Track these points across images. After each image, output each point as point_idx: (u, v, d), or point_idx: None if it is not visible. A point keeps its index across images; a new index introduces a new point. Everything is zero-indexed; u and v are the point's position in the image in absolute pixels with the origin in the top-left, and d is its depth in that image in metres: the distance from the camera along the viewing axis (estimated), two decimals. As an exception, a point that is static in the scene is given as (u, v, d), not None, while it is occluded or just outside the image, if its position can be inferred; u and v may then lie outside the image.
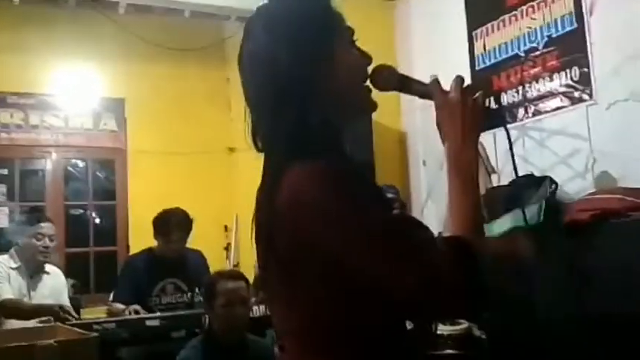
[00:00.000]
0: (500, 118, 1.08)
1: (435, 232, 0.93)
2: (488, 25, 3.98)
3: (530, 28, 3.69)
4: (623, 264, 2.41)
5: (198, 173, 5.27)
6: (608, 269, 2.47)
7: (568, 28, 3.43)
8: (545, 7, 3.58)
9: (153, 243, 3.40)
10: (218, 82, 5.41)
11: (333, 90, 0.96)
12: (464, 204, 0.94)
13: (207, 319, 2.59)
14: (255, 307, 2.97)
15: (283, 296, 0.93)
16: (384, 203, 0.99)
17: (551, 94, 3.56)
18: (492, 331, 2.99)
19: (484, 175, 3.91)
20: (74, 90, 4.90)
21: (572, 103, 3.42)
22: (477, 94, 1.01)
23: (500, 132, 3.55)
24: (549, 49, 3.55)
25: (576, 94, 3.39)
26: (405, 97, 4.84)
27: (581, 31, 3.33)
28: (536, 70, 3.65)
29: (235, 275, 2.49)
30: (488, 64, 4.01)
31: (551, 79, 3.55)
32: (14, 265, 3.19)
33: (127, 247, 4.92)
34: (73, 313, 2.98)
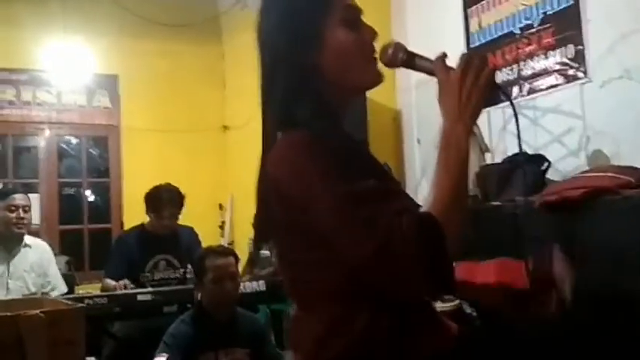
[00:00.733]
0: (503, 95, 1.06)
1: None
2: (484, 2, 3.94)
3: (525, 5, 3.65)
4: (614, 241, 2.41)
5: (193, 151, 5.25)
6: (598, 246, 2.47)
7: (564, 5, 3.39)
8: (542, -17, 3.54)
9: (147, 220, 3.40)
10: (213, 58, 5.37)
11: (324, 67, 0.99)
12: (444, 180, 0.94)
13: (198, 295, 2.59)
14: (247, 283, 2.99)
15: (278, 260, 1.03)
16: (371, 173, 0.96)
17: (545, 72, 3.54)
18: (483, 307, 3.01)
19: (478, 153, 3.90)
20: (67, 66, 4.86)
21: (567, 81, 3.40)
22: (482, 76, 0.99)
23: (494, 110, 3.54)
24: (544, 26, 3.52)
25: (571, 71, 3.37)
26: (401, 75, 4.81)
27: (577, 8, 3.30)
28: (531, 47, 3.62)
29: (225, 251, 2.49)
30: (483, 41, 3.98)
31: (546, 57, 3.52)
32: None
33: (122, 224, 4.92)
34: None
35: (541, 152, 3.42)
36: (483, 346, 1.04)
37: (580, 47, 3.28)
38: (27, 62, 4.80)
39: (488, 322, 2.94)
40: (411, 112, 4.57)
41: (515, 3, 3.73)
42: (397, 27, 4.72)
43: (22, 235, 3.21)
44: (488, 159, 3.86)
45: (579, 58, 3.30)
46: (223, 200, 5.31)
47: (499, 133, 3.83)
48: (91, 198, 5.40)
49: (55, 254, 4.48)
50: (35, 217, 4.80)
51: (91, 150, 5.42)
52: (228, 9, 5.35)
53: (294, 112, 0.95)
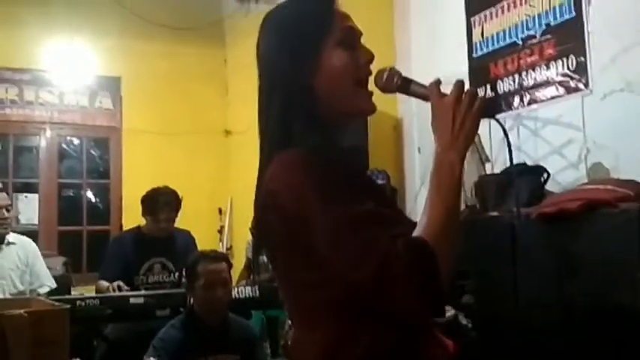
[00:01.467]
0: (496, 106, 1.07)
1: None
2: (487, 12, 3.93)
3: (528, 15, 3.64)
4: (609, 254, 2.39)
5: (194, 154, 5.25)
6: (593, 259, 2.45)
7: (566, 17, 3.38)
8: (545, -6, 3.53)
9: (144, 222, 3.39)
10: (215, 62, 5.38)
11: (318, 88, 1.00)
12: (436, 205, 0.93)
13: (190, 299, 2.58)
14: (241, 289, 2.97)
15: (278, 277, 1.02)
16: (366, 193, 0.97)
17: (547, 83, 3.52)
18: (478, 318, 2.98)
19: (477, 162, 3.88)
20: (70, 67, 4.87)
21: (568, 93, 3.38)
22: (476, 103, 0.99)
23: (494, 120, 3.51)
24: (547, 37, 3.51)
25: (572, 83, 3.35)
26: (403, 84, 4.81)
27: (579, 20, 3.29)
28: (533, 58, 3.61)
29: (217, 257, 2.47)
30: (485, 51, 3.96)
31: (548, 68, 3.51)
32: None
33: (120, 226, 4.91)
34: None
35: (541, 163, 3.40)
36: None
37: (582, 59, 3.27)
38: (30, 62, 4.82)
39: (484, 334, 2.92)
40: (412, 120, 4.56)
41: (518, 13, 3.72)
42: (400, 38, 4.71)
43: (5, 234, 3.18)
44: (489, 169, 3.85)
45: (581, 69, 3.28)
46: (223, 204, 5.30)
47: (499, 143, 3.81)
48: (91, 199, 5.40)
49: (53, 255, 4.49)
50: (34, 217, 4.82)
51: (91, 151, 5.43)
52: (232, 14, 5.36)
53: (290, 130, 0.96)
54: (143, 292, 3.01)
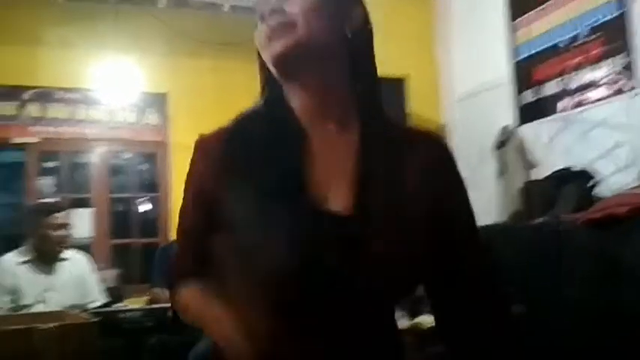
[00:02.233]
0: None
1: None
2: (529, 15, 3.85)
3: (571, 16, 3.54)
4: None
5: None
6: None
7: (611, 16, 3.27)
8: (588, -7, 3.43)
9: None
10: (258, 75, 5.44)
11: None
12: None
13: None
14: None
15: None
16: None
17: (593, 85, 3.41)
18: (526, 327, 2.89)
19: (523, 169, 3.78)
20: (118, 85, 5.02)
21: (615, 94, 3.27)
22: None
23: (540, 124, 3.46)
24: (591, 37, 3.40)
25: (619, 84, 3.23)
26: (445, 88, 4.74)
27: (625, 19, 3.17)
28: (578, 59, 3.50)
29: None
30: (528, 54, 3.87)
31: (594, 69, 3.40)
32: (24, 259, 3.14)
33: (168, 238, 5.01)
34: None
35: (589, 168, 3.29)
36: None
37: (629, 59, 3.15)
38: (81, 82, 4.98)
39: (533, 342, 2.82)
40: (455, 127, 4.49)
41: (561, 14, 3.61)
42: (441, 42, 4.66)
43: (62, 252, 3.26)
44: (535, 174, 3.74)
45: (628, 69, 3.16)
46: (268, 216, 5.33)
47: (545, 148, 3.71)
48: (141, 212, 5.54)
49: (106, 268, 4.62)
50: (87, 231, 4.98)
51: (140, 166, 5.57)
52: (274, 26, 5.42)
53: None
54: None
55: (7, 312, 2.97)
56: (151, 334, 2.78)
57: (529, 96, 3.83)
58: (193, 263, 0.92)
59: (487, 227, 3.47)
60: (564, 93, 3.59)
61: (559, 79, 3.63)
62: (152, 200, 5.45)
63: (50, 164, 5.22)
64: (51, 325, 1.52)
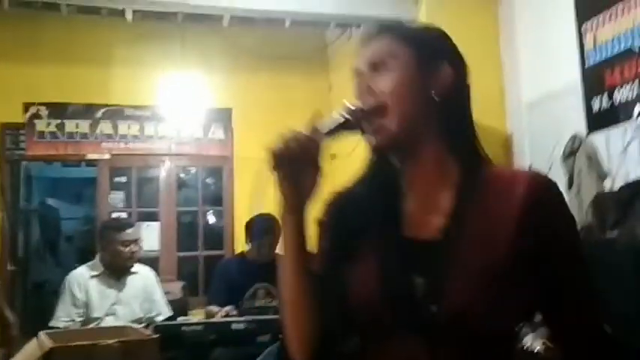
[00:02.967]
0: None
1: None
2: (600, 17, 3.68)
3: (645, 17, 3.36)
4: None
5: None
6: None
7: (689, 15, 3.08)
8: (663, -7, 3.25)
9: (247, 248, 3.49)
10: (320, 89, 5.47)
11: None
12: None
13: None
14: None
15: None
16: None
17: (670, 90, 3.22)
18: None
19: (595, 179, 3.60)
20: (185, 102, 5.16)
21: (695, 99, 3.07)
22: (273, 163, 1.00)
23: (612, 132, 3.29)
24: (668, 39, 3.21)
25: (699, 88, 3.03)
26: (511, 96, 4.60)
27: None
28: (653, 63, 3.32)
29: None
30: (599, 59, 3.70)
31: (670, 73, 3.20)
32: (95, 273, 3.26)
33: (233, 251, 5.09)
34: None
35: (667, 178, 3.10)
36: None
37: None
38: (150, 99, 5.16)
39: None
40: (522, 136, 4.34)
41: (633, 17, 3.44)
42: (507, 47, 4.53)
43: (132, 266, 3.37)
44: (608, 185, 3.56)
45: None
46: (330, 228, 5.33)
47: (619, 156, 3.52)
48: (206, 225, 5.66)
49: (173, 280, 4.74)
50: (155, 244, 5.12)
51: (206, 180, 5.69)
52: (335, 40, 5.44)
53: None
54: (244, 317, 3.07)
55: (78, 324, 3.10)
56: (212, 347, 2.82)
57: (601, 102, 3.66)
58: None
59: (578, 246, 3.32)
60: (638, 98, 3.40)
61: (634, 83, 3.45)
62: (217, 213, 5.56)
63: (120, 179, 5.42)
64: (113, 341, 1.56)
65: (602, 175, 3.59)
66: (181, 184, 5.59)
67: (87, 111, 5.09)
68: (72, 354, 1.52)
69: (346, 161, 4.92)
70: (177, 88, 5.10)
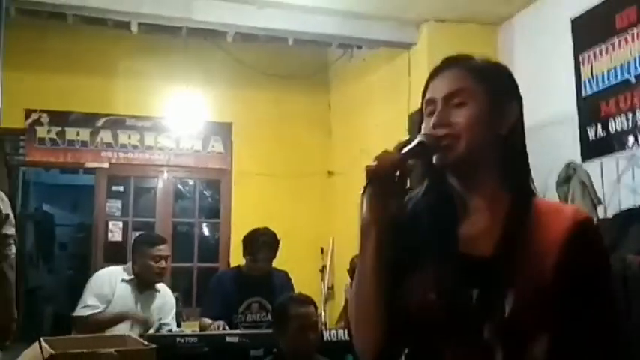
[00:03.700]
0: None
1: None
2: (596, 49, 3.76)
3: (641, 50, 3.44)
4: None
5: (298, 195, 5.38)
6: None
7: (683, 51, 3.16)
8: (658, 28, 3.33)
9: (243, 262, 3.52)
10: (320, 107, 5.54)
11: None
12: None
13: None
14: (333, 331, 2.98)
15: None
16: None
17: (664, 122, 3.29)
18: None
19: (589, 206, 3.66)
20: (185, 114, 5.21)
21: (688, 132, 3.14)
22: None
23: (606, 161, 3.35)
24: (663, 73, 3.29)
25: (692, 121, 3.10)
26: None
27: (699, 54, 3.06)
28: (648, 95, 3.39)
29: (307, 300, 2.50)
30: (595, 89, 3.78)
31: (665, 106, 3.28)
32: (127, 278, 3.33)
33: (228, 264, 5.11)
34: (150, 324, 3.10)
35: (660, 208, 3.15)
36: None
37: (702, 95, 3.03)
38: (150, 110, 5.21)
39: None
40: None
41: (630, 49, 3.52)
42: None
43: (159, 282, 3.43)
44: (600, 213, 3.62)
45: (701, 106, 3.04)
46: (325, 244, 5.37)
47: (612, 185, 3.58)
48: (202, 237, 5.68)
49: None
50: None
51: (204, 192, 5.73)
52: (335, 61, 5.51)
53: None
54: (238, 331, 3.09)
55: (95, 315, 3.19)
56: (206, 359, 2.83)
57: (596, 131, 3.72)
58: None
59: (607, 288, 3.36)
60: (634, 129, 3.47)
61: (628, 114, 3.52)
62: (213, 226, 5.59)
63: (118, 188, 5.44)
64: (112, 349, 1.58)
65: (595, 203, 3.64)
66: (179, 196, 5.62)
67: (88, 119, 5.14)
68: (72, 360, 1.55)
69: (344, 178, 4.99)
70: (178, 100, 5.15)
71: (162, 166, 5.31)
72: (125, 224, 5.20)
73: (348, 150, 5.36)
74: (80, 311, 3.21)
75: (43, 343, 1.53)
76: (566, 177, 3.74)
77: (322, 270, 5.26)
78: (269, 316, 3.36)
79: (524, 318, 0.99)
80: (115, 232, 5.16)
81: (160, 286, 3.47)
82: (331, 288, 5.11)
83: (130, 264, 3.41)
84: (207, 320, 3.24)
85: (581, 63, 3.87)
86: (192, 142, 5.38)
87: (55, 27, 4.74)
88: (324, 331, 2.97)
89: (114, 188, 5.39)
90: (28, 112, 5.00)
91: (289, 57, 5.31)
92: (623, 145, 3.53)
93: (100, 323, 3.12)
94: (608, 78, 3.68)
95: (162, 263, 3.36)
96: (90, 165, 5.15)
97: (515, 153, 1.12)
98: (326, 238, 5.35)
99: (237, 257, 4.81)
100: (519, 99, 1.16)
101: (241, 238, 3.62)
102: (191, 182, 5.68)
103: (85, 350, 1.59)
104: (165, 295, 3.48)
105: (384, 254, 1.04)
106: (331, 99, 5.69)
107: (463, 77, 1.10)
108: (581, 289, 1.03)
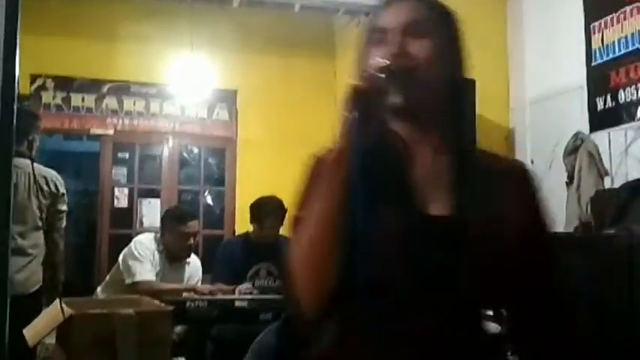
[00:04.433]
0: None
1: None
2: (607, 18, 3.72)
3: (653, 20, 3.41)
4: None
5: (303, 164, 5.37)
6: None
7: (697, 20, 3.13)
8: (672, -3, 3.29)
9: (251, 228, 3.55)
10: (325, 75, 5.50)
11: None
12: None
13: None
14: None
15: None
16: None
17: (674, 92, 3.27)
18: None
19: (595, 176, 3.67)
20: (191, 81, 5.17)
21: (698, 102, 3.12)
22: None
23: (614, 132, 3.36)
24: (675, 43, 3.26)
25: (703, 92, 3.09)
26: (515, 92, 4.64)
27: None
28: (658, 65, 3.37)
29: None
30: (605, 59, 3.75)
31: (676, 76, 3.26)
32: (160, 248, 3.36)
33: (234, 231, 5.14)
34: (206, 296, 3.16)
35: (667, 179, 3.16)
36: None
37: None
38: (156, 77, 5.17)
39: None
40: (524, 131, 4.40)
41: (641, 18, 3.48)
42: (514, 45, 4.56)
43: (188, 256, 3.46)
44: (607, 183, 3.62)
45: None
46: (330, 213, 5.38)
47: (620, 156, 3.59)
48: (207, 205, 5.70)
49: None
50: (155, 220, 5.16)
51: (209, 160, 5.73)
52: (342, 28, 5.46)
53: None
54: (247, 296, 3.13)
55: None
56: (215, 323, 2.88)
57: (605, 101, 3.71)
58: None
59: (554, 236, 3.38)
60: (643, 100, 3.46)
61: (639, 85, 3.50)
62: (218, 193, 5.60)
63: (123, 155, 5.44)
64: (131, 310, 1.61)
65: (602, 174, 3.65)
66: (184, 163, 5.62)
67: (93, 85, 5.11)
68: (91, 322, 1.57)
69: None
70: (184, 66, 5.10)
71: (167, 133, 5.30)
72: (130, 191, 5.21)
73: (353, 118, 5.34)
74: (142, 276, 3.20)
75: (62, 304, 1.56)
76: (574, 147, 3.73)
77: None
78: (277, 282, 3.40)
79: (487, 283, 0.95)
80: (121, 198, 5.18)
81: (191, 257, 3.51)
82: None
83: (158, 235, 3.42)
84: (222, 286, 3.27)
85: (592, 32, 3.84)
86: (198, 110, 5.35)
87: (60, -9, 4.69)
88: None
89: (119, 155, 5.39)
90: (33, 78, 4.97)
91: (295, 24, 5.25)
92: (632, 116, 3.52)
93: (169, 292, 3.12)
94: (618, 47, 3.65)
95: (191, 240, 3.39)
96: (95, 131, 5.14)
97: (462, 100, 1.06)
98: (330, 207, 5.36)
99: (242, 224, 4.84)
100: (465, 47, 1.07)
101: (246, 205, 3.64)
102: (196, 150, 5.67)
103: (104, 311, 1.62)
104: (193, 267, 3.52)
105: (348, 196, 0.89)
106: (337, 66, 5.64)
107: (424, 9, 1.02)
108: (539, 256, 1.02)
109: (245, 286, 3.15)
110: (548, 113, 4.08)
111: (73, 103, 5.05)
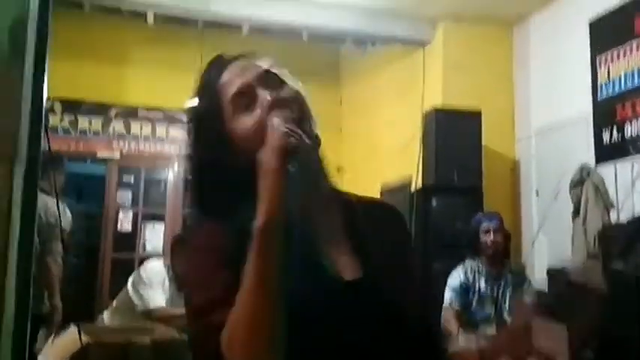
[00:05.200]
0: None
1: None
2: (614, 51, 3.77)
3: (660, 55, 3.46)
4: None
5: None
6: None
7: (703, 56, 3.17)
8: (678, 33, 3.34)
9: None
10: (331, 103, 5.54)
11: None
12: (247, 278, 0.82)
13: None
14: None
15: None
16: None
17: (681, 127, 3.30)
18: None
19: (602, 209, 3.67)
20: (198, 106, 5.20)
21: None
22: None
23: (620, 164, 3.38)
24: (681, 78, 3.30)
25: None
26: (521, 123, 4.67)
27: None
28: (665, 100, 3.41)
29: None
30: (611, 93, 3.79)
31: (682, 111, 3.29)
32: (170, 275, 3.25)
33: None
34: None
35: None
36: None
37: None
38: (163, 101, 5.21)
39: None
40: (529, 162, 4.42)
41: (648, 53, 3.53)
42: (520, 77, 4.60)
43: None
44: (614, 216, 3.63)
45: None
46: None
47: (626, 189, 3.60)
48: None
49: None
50: (159, 245, 5.15)
51: (213, 185, 5.72)
52: (348, 57, 5.52)
53: None
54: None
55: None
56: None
57: (611, 134, 3.74)
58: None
59: (561, 270, 3.38)
60: (649, 134, 3.49)
61: (644, 119, 3.54)
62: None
63: (129, 178, 5.44)
64: (147, 338, 1.60)
65: (608, 206, 3.66)
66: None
67: (101, 109, 5.14)
68: (107, 350, 1.56)
69: (353, 175, 4.99)
70: (188, 92, 5.13)
71: (173, 157, 5.31)
72: (135, 214, 5.21)
73: (357, 146, 5.37)
74: (159, 302, 3.13)
75: (77, 331, 1.54)
76: (580, 180, 3.75)
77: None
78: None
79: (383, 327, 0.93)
80: (125, 222, 5.16)
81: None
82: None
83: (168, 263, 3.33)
84: None
85: (598, 65, 3.88)
86: (204, 135, 5.37)
87: (70, 14, 4.73)
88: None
89: (124, 178, 5.39)
90: (41, 100, 5.00)
91: (302, 52, 5.30)
92: (638, 149, 3.55)
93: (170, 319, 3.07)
94: (624, 81, 3.69)
95: None
96: (101, 154, 5.16)
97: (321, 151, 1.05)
98: (335, 234, 5.35)
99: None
100: None
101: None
102: (201, 174, 5.68)
103: (120, 341, 1.61)
104: None
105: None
106: (342, 95, 5.69)
107: (265, 60, 1.03)
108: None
109: None
110: (554, 144, 4.10)
111: (80, 126, 5.07)
